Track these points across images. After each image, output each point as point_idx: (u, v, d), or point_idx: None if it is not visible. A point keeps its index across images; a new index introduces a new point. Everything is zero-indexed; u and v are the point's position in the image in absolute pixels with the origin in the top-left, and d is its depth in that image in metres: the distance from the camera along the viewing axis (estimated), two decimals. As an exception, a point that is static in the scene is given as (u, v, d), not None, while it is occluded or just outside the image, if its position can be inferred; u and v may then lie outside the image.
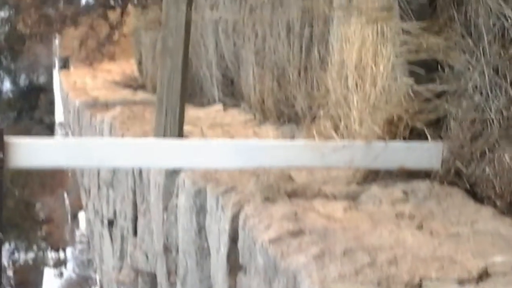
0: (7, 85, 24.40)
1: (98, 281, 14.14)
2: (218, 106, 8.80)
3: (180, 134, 4.00)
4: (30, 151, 3.39)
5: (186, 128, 4.67)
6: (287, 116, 6.50)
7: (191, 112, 7.16)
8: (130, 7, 11.45)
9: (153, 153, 3.53)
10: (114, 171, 8.59)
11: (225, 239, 3.61)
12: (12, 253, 22.03)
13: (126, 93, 12.74)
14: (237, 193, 3.66)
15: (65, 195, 21.83)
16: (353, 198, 3.54)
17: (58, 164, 3.58)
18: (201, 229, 4.32)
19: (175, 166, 4.21)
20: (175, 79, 3.97)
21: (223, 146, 3.60)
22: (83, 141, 3.76)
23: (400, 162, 3.68)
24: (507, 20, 3.19)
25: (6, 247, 19.96)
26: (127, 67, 15.13)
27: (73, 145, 3.55)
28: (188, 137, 5.89)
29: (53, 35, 12.22)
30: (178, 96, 3.98)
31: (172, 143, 3.70)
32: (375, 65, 4.21)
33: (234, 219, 3.51)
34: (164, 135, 3.92)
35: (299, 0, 5.93)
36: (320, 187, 3.78)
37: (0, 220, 3.32)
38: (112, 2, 10.86)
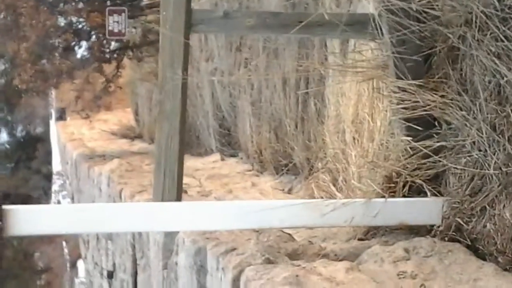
0: (4, 136, 24.45)
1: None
2: (216, 156, 8.82)
3: (179, 196, 4.00)
4: (29, 219, 3.38)
5: (184, 181, 4.66)
6: (285, 167, 6.51)
7: (189, 162, 7.16)
8: (125, 60, 11.51)
9: (153, 217, 3.53)
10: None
11: (226, 302, 3.59)
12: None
13: (123, 143, 12.77)
14: (238, 254, 3.64)
15: (64, 243, 21.73)
16: (354, 256, 3.52)
17: (57, 231, 3.57)
18: None
19: (175, 229, 4.20)
20: (173, 142, 3.98)
21: (222, 208, 3.60)
22: (81, 207, 3.76)
23: (400, 219, 3.67)
24: (502, 78, 3.21)
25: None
26: (123, 117, 15.18)
27: (71, 212, 3.54)
28: (187, 191, 5.89)
29: (49, 89, 12.26)
30: (176, 159, 3.99)
31: (171, 207, 3.69)
32: (372, 120, 4.23)
33: (235, 281, 3.49)
34: (163, 198, 3.92)
35: (294, 55, 5.97)
36: (321, 245, 3.76)
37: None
38: (107, 56, 10.91)
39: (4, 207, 3.37)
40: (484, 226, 3.36)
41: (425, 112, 3.61)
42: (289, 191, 6.14)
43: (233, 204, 3.76)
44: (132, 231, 5.30)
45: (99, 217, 3.49)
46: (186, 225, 3.71)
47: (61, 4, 11.20)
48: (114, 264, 8.77)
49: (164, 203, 3.75)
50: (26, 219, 3.39)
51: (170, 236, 4.97)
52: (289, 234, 3.86)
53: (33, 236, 3.55)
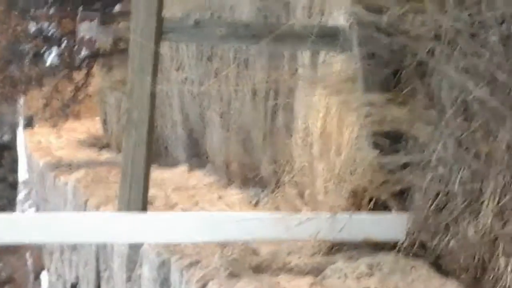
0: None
1: None
2: (183, 168, 8.75)
3: (144, 206, 3.94)
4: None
5: (150, 192, 4.61)
6: (252, 179, 6.46)
7: (155, 173, 7.09)
8: (95, 68, 11.43)
9: (117, 227, 3.48)
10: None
11: (189, 315, 3.54)
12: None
13: (91, 153, 12.64)
14: (202, 267, 3.60)
15: (27, 254, 21.51)
16: (318, 271, 3.49)
17: (19, 240, 3.49)
18: (165, 300, 4.25)
19: (140, 241, 4.14)
20: (140, 151, 3.92)
21: (187, 219, 3.56)
22: (44, 216, 3.70)
23: (365, 234, 3.66)
24: (470, 94, 3.20)
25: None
26: (91, 125, 15.04)
27: (34, 221, 3.48)
28: (153, 203, 5.83)
29: (18, 95, 12.13)
30: (143, 169, 3.93)
31: (136, 217, 3.63)
32: (340, 134, 4.21)
33: (199, 294, 3.45)
34: (128, 208, 3.86)
35: (265, 67, 5.94)
36: (285, 259, 3.73)
37: None
38: (77, 63, 10.83)
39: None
40: (448, 243, 3.34)
41: (392, 127, 3.59)
42: (256, 204, 6.09)
43: (198, 215, 3.72)
44: (96, 241, 5.22)
45: (63, 226, 3.43)
46: (151, 237, 3.66)
47: (33, 10, 11.12)
48: (77, 276, 8.66)
49: (129, 213, 3.69)
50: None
51: (134, 248, 4.91)
52: (253, 248, 3.82)
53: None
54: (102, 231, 3.50)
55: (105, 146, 13.22)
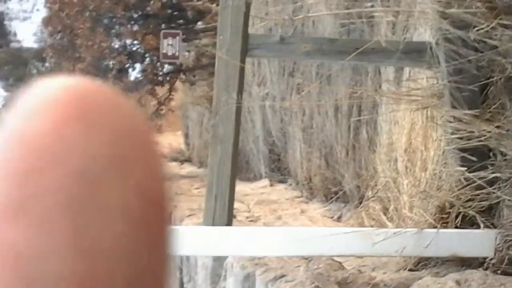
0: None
1: None
2: (265, 182, 8.81)
3: (230, 221, 3.99)
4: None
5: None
6: (334, 194, 6.47)
7: (238, 187, 7.15)
8: (178, 83, 11.62)
9: (203, 241, 3.53)
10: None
11: (274, 328, 3.56)
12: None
13: (173, 167, 12.83)
14: (287, 281, 3.62)
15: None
16: (404, 287, 3.47)
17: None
18: (249, 313, 4.28)
19: (225, 254, 4.19)
20: (225, 166, 3.98)
21: (272, 234, 3.58)
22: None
23: (452, 250, 3.62)
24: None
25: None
26: (173, 140, 15.28)
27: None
28: (236, 216, 5.89)
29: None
30: (228, 184, 3.98)
31: (222, 231, 3.68)
32: (425, 149, 4.19)
33: (284, 308, 3.47)
34: (213, 222, 3.92)
35: (348, 81, 5.95)
36: (371, 274, 3.72)
37: None
38: (160, 79, 11.03)
39: None
40: (539, 260, 3.30)
41: (480, 143, 3.56)
42: (339, 219, 6.10)
43: (283, 230, 3.74)
44: (181, 254, 5.29)
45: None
46: (236, 250, 3.70)
47: (117, 26, 11.37)
48: None
49: (214, 227, 3.75)
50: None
51: (218, 261, 4.96)
52: (339, 262, 3.82)
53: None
54: (188, 244, 3.55)
55: (186, 160, 13.40)
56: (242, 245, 3.58)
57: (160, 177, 0.41)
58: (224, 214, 3.89)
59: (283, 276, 3.72)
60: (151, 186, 0.40)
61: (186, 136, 13.90)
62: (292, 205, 6.96)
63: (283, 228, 4.47)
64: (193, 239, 3.55)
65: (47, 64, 15.95)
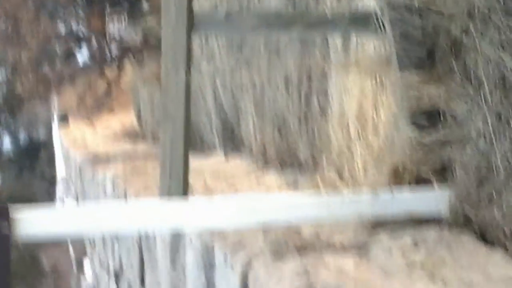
0: (7, 143, 24.47)
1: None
2: (220, 156, 8.82)
3: (185, 193, 4.00)
4: (37, 225, 3.33)
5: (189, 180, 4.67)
6: (290, 164, 6.52)
7: (192, 164, 7.18)
8: (126, 64, 11.55)
9: (159, 215, 3.53)
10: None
11: (236, 296, 3.61)
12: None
13: (127, 146, 12.76)
14: (246, 249, 3.66)
15: (69, 243, 21.71)
16: (362, 248, 3.54)
17: (63, 235, 3.54)
18: (210, 285, 4.31)
19: (182, 227, 4.21)
20: (177, 144, 3.98)
21: (228, 204, 3.60)
22: (88, 209, 3.76)
23: (408, 210, 3.69)
24: (507, 68, 3.23)
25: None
26: (126, 119, 15.18)
27: (77, 213, 3.53)
28: (192, 192, 5.90)
29: (51, 95, 12.29)
30: (182, 161, 3.99)
31: (177, 204, 3.70)
32: (376, 114, 4.25)
33: (244, 276, 3.51)
34: (169, 194, 3.92)
35: (296, 53, 5.98)
36: (329, 238, 3.78)
37: None
38: (109, 61, 10.95)
39: (12, 215, 3.29)
40: (492, 215, 3.38)
41: (429, 105, 3.63)
42: (295, 188, 6.15)
43: (239, 199, 3.77)
44: (138, 230, 5.30)
45: (106, 217, 3.47)
46: (194, 223, 3.72)
47: (61, 11, 11.26)
48: (120, 263, 8.78)
49: (170, 199, 3.74)
50: (36, 225, 3.34)
51: (177, 234, 4.99)
52: (296, 228, 3.88)
53: (43, 240, 3.51)
54: (144, 219, 3.54)
55: (140, 138, 13.35)
56: (199, 217, 3.59)
57: None
58: (179, 191, 3.89)
59: (241, 245, 3.76)
60: None
61: (139, 115, 13.84)
62: (248, 178, 6.99)
63: (239, 196, 4.50)
64: (148, 213, 3.54)
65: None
